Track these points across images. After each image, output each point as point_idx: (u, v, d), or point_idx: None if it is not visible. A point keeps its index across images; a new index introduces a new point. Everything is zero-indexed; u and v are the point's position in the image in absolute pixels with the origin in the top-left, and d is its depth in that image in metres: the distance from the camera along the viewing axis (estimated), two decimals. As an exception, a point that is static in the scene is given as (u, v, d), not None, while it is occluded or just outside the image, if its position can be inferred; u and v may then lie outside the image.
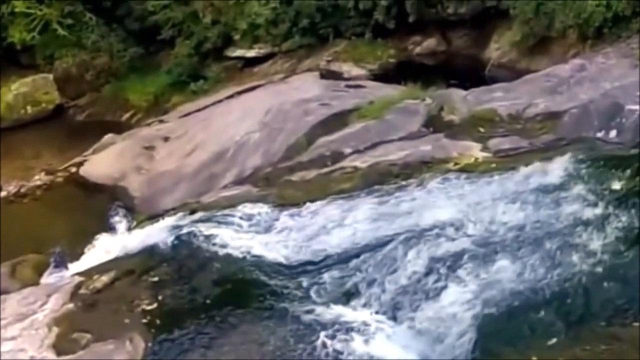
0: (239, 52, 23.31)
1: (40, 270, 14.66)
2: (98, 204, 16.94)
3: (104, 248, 14.25)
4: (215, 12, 23.30)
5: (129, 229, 15.02)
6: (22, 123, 22.50)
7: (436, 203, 11.89)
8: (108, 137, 19.82)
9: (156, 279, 11.49)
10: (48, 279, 14.41)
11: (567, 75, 16.07)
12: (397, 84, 18.55)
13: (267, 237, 11.83)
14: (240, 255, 11.47)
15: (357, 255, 11.09)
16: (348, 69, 21.25)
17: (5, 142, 21.22)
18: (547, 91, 15.46)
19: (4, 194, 18.20)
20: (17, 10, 22.84)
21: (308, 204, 12.24)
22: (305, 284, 10.88)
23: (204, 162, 16.47)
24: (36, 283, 14.31)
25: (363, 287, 10.68)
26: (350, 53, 21.83)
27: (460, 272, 10.56)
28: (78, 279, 12.23)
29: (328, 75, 20.63)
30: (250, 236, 11.86)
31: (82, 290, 11.83)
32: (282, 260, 11.33)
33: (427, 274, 10.62)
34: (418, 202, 11.94)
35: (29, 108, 22.80)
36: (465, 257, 10.77)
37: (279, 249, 11.50)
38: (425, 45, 22.46)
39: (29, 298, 12.22)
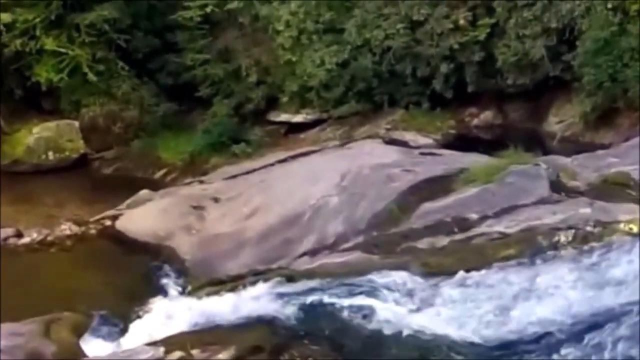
0: (284, 117, 21.67)
1: (79, 332, 12.60)
2: (138, 262, 14.97)
3: (164, 313, 12.55)
4: (261, 71, 21.65)
5: (189, 293, 13.19)
6: (43, 169, 20.61)
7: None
8: (144, 192, 17.90)
9: (310, 360, 9.22)
10: (91, 342, 12.41)
11: (675, 137, 15.23)
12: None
13: (437, 310, 9.81)
14: (414, 333, 9.37)
15: (591, 328, 9.20)
16: (413, 137, 19.96)
17: (25, 187, 19.46)
18: (668, 153, 14.60)
19: (27, 240, 16.12)
20: (46, 47, 20.92)
21: (469, 273, 10.18)
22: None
23: (272, 226, 14.54)
24: (75, 345, 12.22)
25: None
26: (409, 122, 20.69)
27: None
28: (176, 353, 9.69)
29: (391, 142, 19.03)
30: (413, 309, 9.80)
31: (190, 370, 9.38)
32: (476, 339, 9.21)
33: None
34: (633, 267, 10.19)
35: (50, 154, 20.84)
36: None
37: (465, 324, 9.38)
38: (482, 117, 21.54)
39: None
